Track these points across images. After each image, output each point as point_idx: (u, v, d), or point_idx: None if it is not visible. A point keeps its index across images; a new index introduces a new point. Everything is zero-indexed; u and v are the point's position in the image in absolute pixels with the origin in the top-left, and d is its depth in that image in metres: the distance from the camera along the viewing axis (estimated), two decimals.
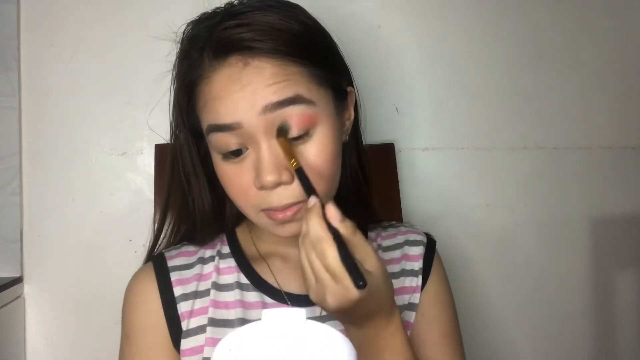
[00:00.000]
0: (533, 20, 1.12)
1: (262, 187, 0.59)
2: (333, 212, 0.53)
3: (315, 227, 0.52)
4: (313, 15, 0.66)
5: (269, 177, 0.58)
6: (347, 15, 1.07)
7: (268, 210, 0.61)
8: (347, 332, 0.60)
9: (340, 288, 0.51)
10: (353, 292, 0.50)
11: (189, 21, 0.66)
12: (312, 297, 0.54)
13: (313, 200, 0.54)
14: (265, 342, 0.48)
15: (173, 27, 0.67)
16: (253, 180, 0.60)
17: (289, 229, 0.62)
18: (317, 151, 0.60)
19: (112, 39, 1.02)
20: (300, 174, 0.57)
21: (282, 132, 0.59)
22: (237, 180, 0.61)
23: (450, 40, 1.10)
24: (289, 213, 0.60)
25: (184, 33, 0.66)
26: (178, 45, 0.66)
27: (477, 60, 1.11)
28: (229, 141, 0.60)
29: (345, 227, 0.52)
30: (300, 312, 0.49)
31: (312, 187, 0.56)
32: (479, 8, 1.11)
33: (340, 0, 1.07)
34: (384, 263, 0.55)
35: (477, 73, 1.11)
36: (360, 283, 0.49)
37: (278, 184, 0.59)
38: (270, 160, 0.58)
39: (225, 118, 0.59)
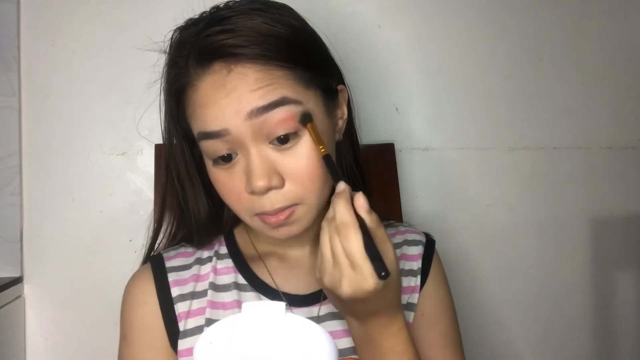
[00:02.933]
0: (533, 21, 1.12)
1: (253, 193, 0.59)
2: (362, 201, 0.53)
3: (342, 212, 0.52)
4: (309, 16, 0.66)
5: (259, 183, 0.58)
6: (347, 15, 1.07)
7: (261, 215, 0.61)
8: (350, 328, 0.60)
9: (357, 276, 0.50)
10: (369, 282, 0.50)
11: (175, 27, 0.65)
12: (327, 282, 0.53)
13: (342, 185, 0.54)
14: (245, 334, 0.49)
15: (173, 27, 0.67)
16: (244, 186, 0.60)
17: (284, 232, 0.62)
18: (307, 154, 0.60)
19: (112, 39, 1.02)
20: (327, 160, 0.58)
21: (306, 117, 0.59)
22: (229, 185, 0.61)
23: (450, 40, 1.10)
24: (281, 217, 0.60)
25: (171, 39, 0.65)
26: (166, 52, 0.66)
27: (477, 60, 1.11)
28: (219, 147, 0.60)
29: (371, 218, 0.52)
30: (280, 305, 0.50)
31: (339, 173, 0.57)
32: (479, 8, 1.10)
33: (340, 0, 1.07)
34: (399, 262, 0.54)
35: (477, 73, 1.11)
36: (383, 274, 0.49)
37: (269, 189, 0.59)
38: (260, 166, 0.58)
39: (213, 125, 0.59)
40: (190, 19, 0.65)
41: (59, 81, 1.01)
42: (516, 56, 1.12)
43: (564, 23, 1.13)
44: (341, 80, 0.70)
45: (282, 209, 0.60)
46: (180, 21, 0.66)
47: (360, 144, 0.76)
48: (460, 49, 1.10)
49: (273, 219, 0.60)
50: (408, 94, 1.09)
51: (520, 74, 1.12)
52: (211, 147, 0.60)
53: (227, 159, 0.60)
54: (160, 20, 0.87)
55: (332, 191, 0.66)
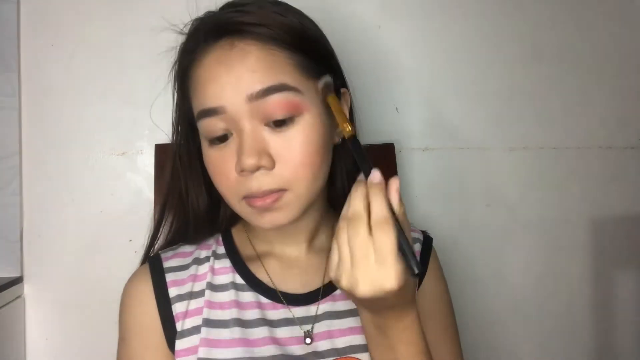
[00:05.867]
0: (533, 20, 1.12)
1: (242, 171, 0.59)
2: (397, 186, 0.52)
3: (380, 206, 0.50)
4: (313, 17, 0.67)
5: (249, 160, 0.58)
6: (347, 15, 1.07)
7: (248, 198, 0.61)
8: (362, 319, 0.60)
9: (380, 274, 0.49)
10: (392, 282, 0.49)
11: (194, 18, 0.67)
12: (344, 283, 0.52)
13: (378, 177, 0.52)
14: None
15: (172, 26, 0.68)
16: (234, 165, 0.60)
17: (270, 219, 0.62)
18: (301, 139, 0.60)
19: (112, 38, 1.02)
20: (355, 144, 0.55)
21: (328, 87, 0.58)
22: (221, 165, 0.62)
23: (450, 40, 1.10)
24: (268, 200, 0.60)
25: (190, 28, 0.67)
26: (182, 33, 0.67)
27: (477, 60, 1.11)
28: (215, 126, 0.60)
29: (401, 210, 0.51)
30: None
31: (369, 162, 0.53)
32: (478, 8, 1.10)
33: (340, 0, 1.07)
34: None
35: (477, 73, 1.11)
36: (417, 271, 0.48)
37: (257, 168, 0.59)
38: (251, 144, 0.59)
39: (212, 101, 0.60)
40: (209, 12, 0.66)
41: (59, 81, 1.01)
42: (516, 56, 1.11)
43: (564, 23, 1.13)
44: (344, 84, 0.70)
45: (270, 192, 0.60)
46: (179, 20, 0.67)
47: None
48: (460, 49, 1.10)
49: (259, 202, 0.60)
50: (408, 94, 1.09)
51: (520, 74, 1.12)
52: (208, 126, 0.61)
53: (222, 138, 0.61)
54: (159, 20, 0.87)
55: (326, 185, 0.66)
